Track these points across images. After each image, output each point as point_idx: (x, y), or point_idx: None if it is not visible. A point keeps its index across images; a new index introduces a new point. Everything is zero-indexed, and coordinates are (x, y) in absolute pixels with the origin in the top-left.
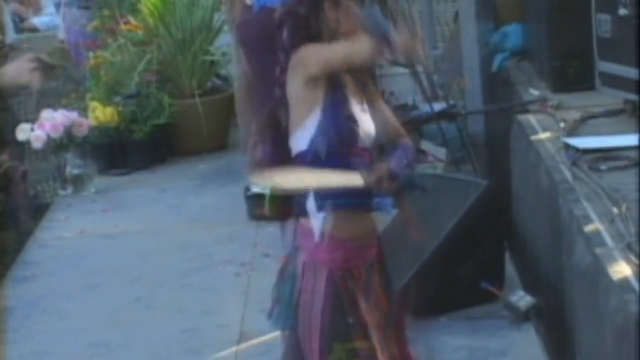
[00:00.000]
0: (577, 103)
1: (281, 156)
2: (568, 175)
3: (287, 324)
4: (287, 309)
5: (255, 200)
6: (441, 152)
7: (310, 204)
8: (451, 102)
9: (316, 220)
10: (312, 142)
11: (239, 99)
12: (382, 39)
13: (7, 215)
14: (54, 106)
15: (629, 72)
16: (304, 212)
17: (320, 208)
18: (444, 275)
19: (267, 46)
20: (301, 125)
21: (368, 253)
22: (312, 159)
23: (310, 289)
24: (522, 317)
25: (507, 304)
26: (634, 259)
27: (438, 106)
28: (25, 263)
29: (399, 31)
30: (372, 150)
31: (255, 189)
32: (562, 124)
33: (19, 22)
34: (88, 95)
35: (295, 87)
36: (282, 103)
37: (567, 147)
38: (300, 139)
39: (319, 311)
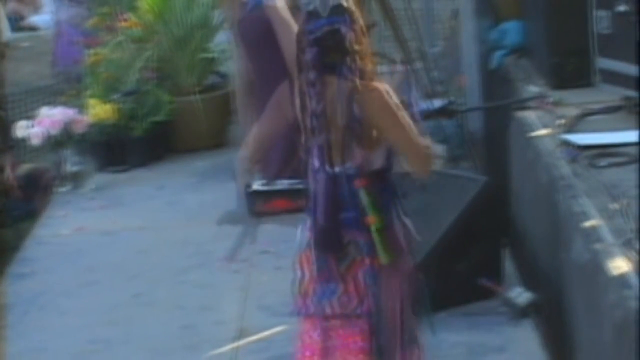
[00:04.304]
0: (576, 100)
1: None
2: (567, 171)
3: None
4: None
5: (254, 197)
6: (440, 149)
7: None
8: (450, 99)
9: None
10: None
11: (239, 96)
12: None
13: (5, 213)
14: (52, 103)
15: (628, 68)
16: None
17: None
18: (443, 272)
19: (267, 42)
20: None
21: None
22: None
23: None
24: (520, 313)
25: (505, 300)
26: (633, 255)
27: (437, 103)
28: (23, 260)
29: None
30: None
31: (255, 187)
32: (561, 121)
33: (18, 21)
34: (87, 93)
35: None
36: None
37: (566, 143)
38: None
39: None
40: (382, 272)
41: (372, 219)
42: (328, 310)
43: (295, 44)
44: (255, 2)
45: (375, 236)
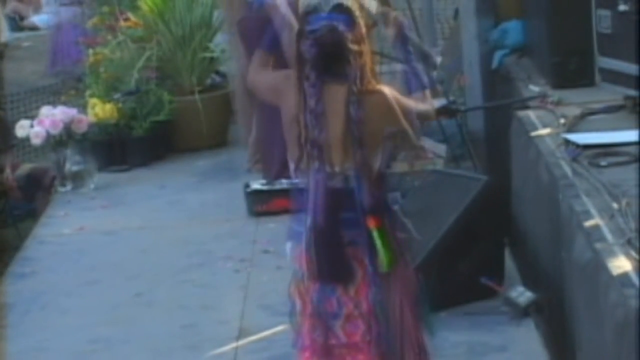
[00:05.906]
0: (577, 99)
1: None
2: (568, 171)
3: None
4: None
5: (254, 197)
6: (441, 149)
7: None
8: (451, 98)
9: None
10: None
11: (238, 96)
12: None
13: (6, 213)
14: (53, 103)
15: (629, 68)
16: None
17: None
18: (444, 271)
19: None
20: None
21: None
22: None
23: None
24: (522, 312)
25: (507, 299)
26: (633, 254)
27: (438, 102)
28: (24, 259)
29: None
30: None
31: (255, 186)
32: (562, 120)
33: (19, 21)
34: (87, 92)
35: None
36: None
37: (567, 143)
38: None
39: None
40: (385, 278)
41: (373, 221)
42: (333, 341)
43: (295, 40)
44: (260, 1)
45: (376, 239)
